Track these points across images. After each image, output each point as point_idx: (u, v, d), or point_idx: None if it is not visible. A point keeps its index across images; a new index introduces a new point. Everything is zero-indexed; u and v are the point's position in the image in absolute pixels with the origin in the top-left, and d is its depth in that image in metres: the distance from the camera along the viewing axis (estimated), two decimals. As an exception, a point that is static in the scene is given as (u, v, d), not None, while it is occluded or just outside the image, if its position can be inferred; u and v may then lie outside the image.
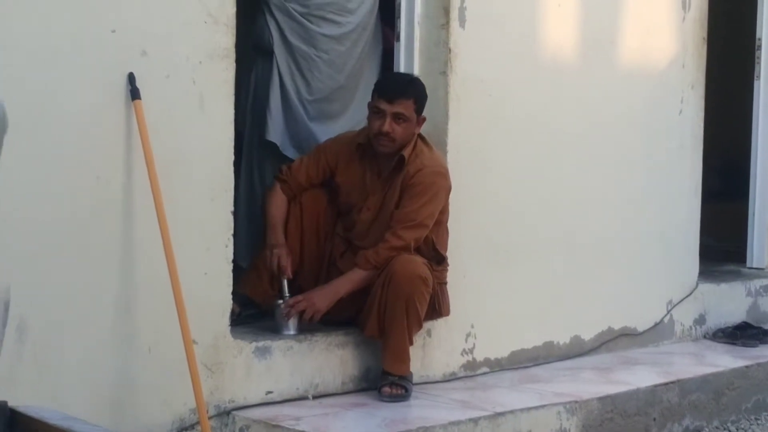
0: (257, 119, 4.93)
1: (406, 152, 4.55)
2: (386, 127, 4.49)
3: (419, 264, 4.46)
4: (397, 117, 4.50)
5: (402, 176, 4.57)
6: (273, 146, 4.89)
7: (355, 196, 4.69)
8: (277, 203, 4.64)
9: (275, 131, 4.87)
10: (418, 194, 4.53)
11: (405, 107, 4.51)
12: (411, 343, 4.53)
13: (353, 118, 4.95)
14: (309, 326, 4.47)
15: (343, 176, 4.69)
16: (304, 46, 4.85)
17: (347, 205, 4.72)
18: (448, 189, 4.64)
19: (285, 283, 4.49)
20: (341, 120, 4.95)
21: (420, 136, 4.64)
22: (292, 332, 4.44)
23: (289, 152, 4.93)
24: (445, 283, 4.70)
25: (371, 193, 4.65)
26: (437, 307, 4.64)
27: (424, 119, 4.63)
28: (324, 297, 4.46)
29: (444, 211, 4.66)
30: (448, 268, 4.72)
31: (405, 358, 4.52)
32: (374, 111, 4.54)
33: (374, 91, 4.60)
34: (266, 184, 4.98)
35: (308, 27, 4.84)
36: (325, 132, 4.92)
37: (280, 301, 4.48)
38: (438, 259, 4.63)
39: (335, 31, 4.89)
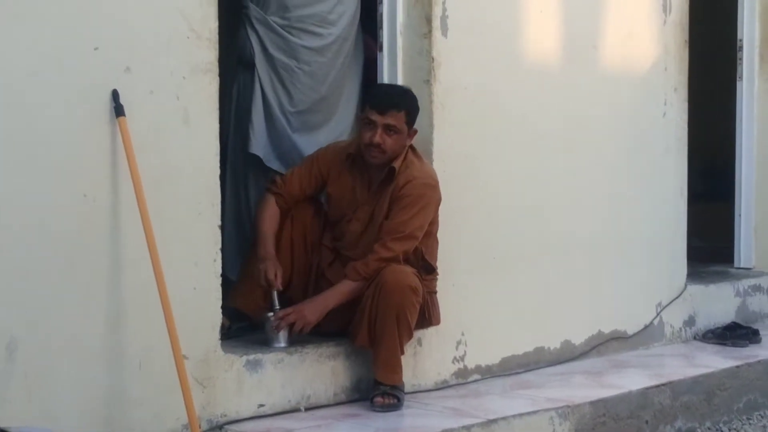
0: (241, 132, 4.93)
1: (396, 164, 4.56)
2: (377, 139, 4.49)
3: (409, 274, 4.46)
4: (388, 128, 4.50)
5: (392, 187, 4.57)
6: (257, 159, 4.90)
7: (345, 206, 4.69)
8: (270, 215, 4.63)
9: (258, 144, 4.87)
10: (408, 206, 4.53)
11: (396, 119, 4.51)
12: (402, 353, 4.53)
13: (336, 129, 4.96)
14: (299, 338, 4.47)
15: (334, 186, 4.69)
16: (285, 58, 4.86)
17: (337, 216, 4.73)
18: (438, 200, 4.65)
19: (275, 295, 4.49)
20: (324, 131, 4.96)
21: (411, 147, 4.65)
22: (282, 344, 4.43)
23: (273, 164, 4.94)
24: (435, 292, 4.70)
25: (361, 204, 4.66)
26: (427, 317, 4.64)
27: (415, 131, 4.63)
28: (314, 309, 4.46)
29: (434, 222, 4.67)
30: (438, 276, 4.72)
31: (397, 368, 4.52)
32: (365, 122, 4.54)
33: (365, 102, 4.60)
34: (251, 196, 4.98)
35: (289, 39, 4.85)
36: (308, 143, 4.92)
37: (270, 314, 4.47)
38: (427, 269, 4.64)
39: (316, 43, 4.90)
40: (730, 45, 6.90)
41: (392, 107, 4.50)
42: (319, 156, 4.74)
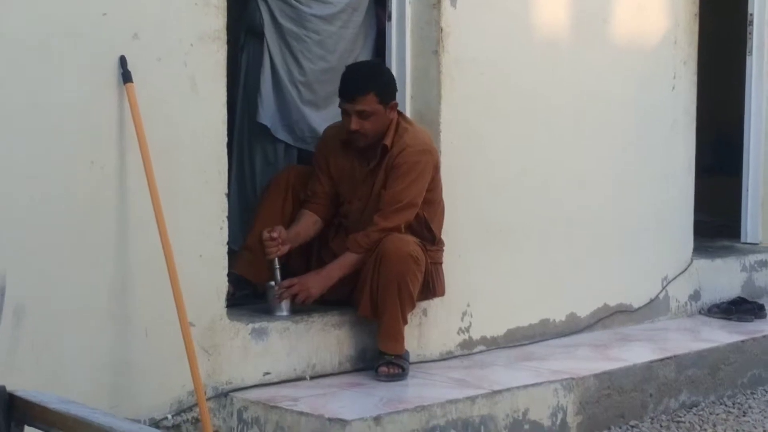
0: (248, 102, 4.92)
1: (387, 140, 4.53)
2: (353, 126, 4.47)
3: (410, 243, 4.46)
4: (361, 114, 4.47)
5: (387, 159, 4.56)
6: (264, 128, 4.89)
7: (346, 187, 4.69)
8: (299, 217, 4.65)
9: (266, 114, 4.87)
10: (403, 174, 4.51)
11: (365, 103, 4.46)
12: (405, 322, 4.53)
13: None
14: (303, 307, 4.48)
15: (334, 169, 4.70)
16: (294, 26, 4.84)
17: (341, 196, 4.73)
18: (435, 164, 4.62)
19: (277, 264, 4.49)
20: (334, 103, 4.96)
21: (400, 114, 4.62)
22: (284, 314, 4.44)
23: (281, 135, 4.93)
24: (440, 264, 4.70)
25: (360, 183, 4.65)
26: (432, 287, 4.64)
27: (396, 104, 4.57)
28: (317, 282, 4.47)
29: (435, 189, 4.64)
30: (444, 248, 4.72)
31: (399, 338, 4.52)
32: (342, 111, 4.53)
33: (338, 91, 4.57)
34: (256, 166, 4.99)
35: (297, 7, 4.83)
36: (318, 116, 4.92)
37: (272, 283, 4.48)
38: (431, 239, 4.63)
39: (325, 11, 4.89)
40: (740, 19, 6.86)
41: (357, 92, 4.45)
42: (318, 147, 4.77)
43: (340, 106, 4.53)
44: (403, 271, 4.41)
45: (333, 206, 4.74)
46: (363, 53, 5.06)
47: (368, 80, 4.51)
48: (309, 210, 4.68)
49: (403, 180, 4.51)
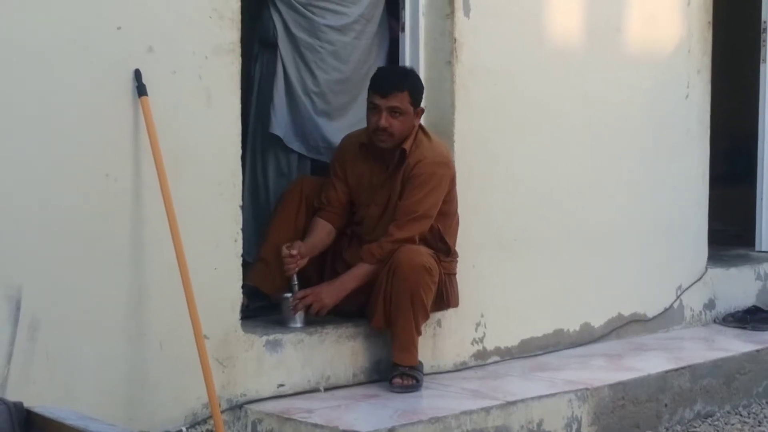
0: (262, 113, 4.93)
1: (406, 145, 4.55)
2: (383, 122, 4.48)
3: (423, 254, 4.46)
4: (393, 111, 4.49)
5: (404, 168, 4.56)
6: (277, 140, 4.90)
7: (363, 193, 4.70)
8: (313, 226, 4.65)
9: (279, 124, 4.87)
10: (420, 185, 4.52)
11: (399, 100, 4.49)
12: (419, 334, 4.53)
13: (361, 111, 4.95)
14: (316, 319, 4.48)
15: (352, 177, 4.70)
16: (308, 37, 4.85)
17: (356, 204, 4.73)
18: (451, 178, 4.63)
19: (295, 280, 4.49)
20: (348, 114, 4.96)
21: (421, 127, 4.64)
22: (299, 325, 4.45)
23: (294, 145, 4.93)
24: (454, 275, 4.70)
25: (378, 189, 4.66)
26: (445, 299, 4.64)
27: (422, 110, 4.62)
28: (330, 292, 4.47)
29: (451, 201, 4.65)
30: (457, 259, 4.72)
31: (412, 349, 4.52)
32: (370, 107, 4.54)
33: (369, 87, 4.60)
34: (270, 177, 4.99)
35: (311, 18, 4.84)
36: (332, 126, 4.92)
37: (288, 294, 4.48)
38: (446, 251, 4.63)
39: (338, 22, 4.89)
40: (754, 27, 6.84)
41: (394, 89, 4.49)
42: (335, 156, 4.77)
43: (370, 101, 4.54)
44: (417, 282, 4.41)
45: (346, 215, 4.74)
46: (376, 64, 5.06)
47: (405, 79, 4.56)
48: (323, 219, 4.68)
49: (419, 191, 4.51)
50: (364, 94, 4.75)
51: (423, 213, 4.51)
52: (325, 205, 4.69)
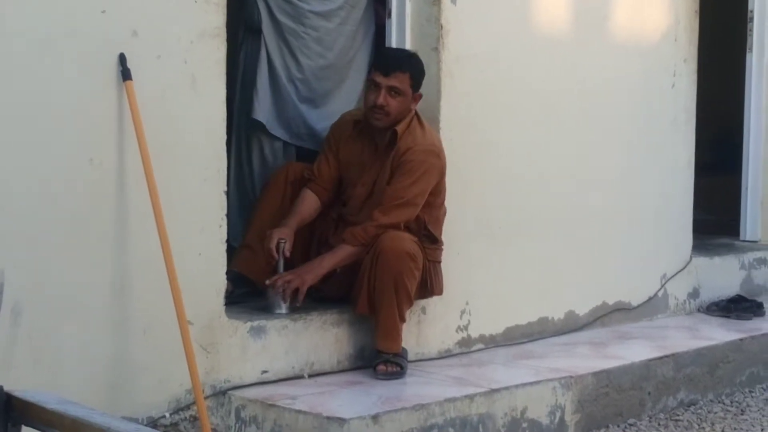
0: (246, 99, 4.91)
1: (399, 128, 4.55)
2: (380, 100, 4.49)
3: (407, 240, 4.45)
4: (392, 90, 4.50)
5: (394, 153, 4.56)
6: (261, 125, 4.88)
7: (353, 172, 4.70)
8: (300, 199, 4.66)
9: (262, 110, 4.85)
10: (408, 172, 4.52)
11: (400, 81, 4.51)
12: (403, 320, 4.52)
13: (345, 98, 4.95)
14: (302, 305, 4.47)
15: (343, 153, 4.71)
16: (292, 23, 4.83)
17: (346, 182, 4.73)
18: (441, 168, 4.63)
19: (281, 263, 4.48)
20: (333, 100, 4.95)
21: (416, 115, 4.64)
22: (283, 311, 4.43)
23: (277, 132, 4.92)
24: (439, 262, 4.70)
25: (367, 169, 4.66)
26: (430, 286, 4.64)
27: (420, 96, 4.62)
28: (310, 272, 4.45)
29: (439, 194, 4.65)
30: (443, 247, 4.71)
31: (396, 336, 4.51)
32: (370, 84, 4.56)
33: (371, 65, 4.61)
34: (254, 163, 4.98)
35: (296, 4, 4.82)
36: (316, 112, 4.91)
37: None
38: (431, 239, 4.63)
39: (323, 8, 4.88)
40: (740, 16, 6.85)
41: (396, 69, 4.51)
42: (330, 131, 4.78)
43: (371, 78, 4.55)
44: (400, 268, 4.40)
45: (334, 192, 4.74)
46: (361, 50, 5.06)
47: (409, 61, 4.60)
48: (312, 191, 4.68)
49: (407, 177, 4.51)
50: (349, 80, 4.74)
51: (409, 200, 4.51)
52: (315, 177, 4.69)
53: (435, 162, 4.59)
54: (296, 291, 4.39)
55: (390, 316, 4.45)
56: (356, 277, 4.50)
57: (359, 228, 4.49)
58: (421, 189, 4.54)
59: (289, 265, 4.54)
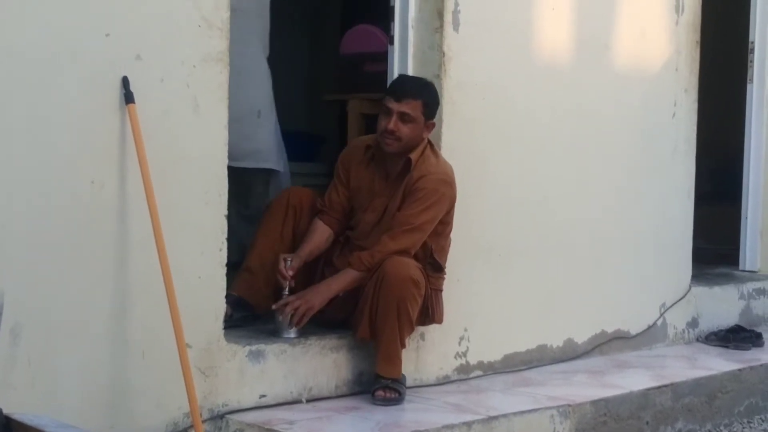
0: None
1: (413, 155, 4.56)
2: (391, 126, 4.50)
3: (411, 266, 4.45)
4: (404, 116, 4.51)
5: (407, 180, 4.57)
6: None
7: (363, 197, 4.71)
8: (311, 230, 4.67)
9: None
10: (420, 199, 4.53)
11: (412, 107, 4.52)
12: (403, 346, 4.52)
13: (237, 109, 4.54)
14: (308, 329, 4.46)
15: (354, 179, 4.72)
16: None
17: (355, 207, 4.74)
18: (452, 198, 4.63)
19: (287, 288, 4.48)
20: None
21: (430, 143, 4.66)
22: (292, 335, 4.43)
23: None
24: (441, 291, 4.69)
25: (377, 195, 4.67)
26: (430, 314, 4.63)
27: (433, 125, 4.64)
28: (317, 294, 4.45)
29: (448, 223, 4.66)
30: (445, 276, 4.71)
31: (396, 361, 4.51)
32: (383, 110, 4.57)
33: (386, 91, 4.63)
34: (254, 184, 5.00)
35: None
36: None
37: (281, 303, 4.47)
38: (435, 267, 4.63)
39: None
40: (741, 47, 6.88)
41: (408, 95, 4.52)
42: (340, 158, 4.80)
43: (383, 104, 4.56)
44: (404, 294, 4.40)
45: (345, 221, 4.75)
46: (254, 59, 5.24)
47: (422, 88, 4.61)
48: (324, 222, 4.69)
49: (419, 204, 4.52)
50: (243, 89, 4.79)
51: (418, 226, 4.51)
52: (326, 207, 4.70)
53: (447, 191, 4.60)
54: (302, 315, 4.40)
55: (392, 341, 4.45)
56: (358, 300, 4.50)
57: (366, 253, 4.49)
58: (432, 216, 4.55)
59: (292, 287, 4.54)
